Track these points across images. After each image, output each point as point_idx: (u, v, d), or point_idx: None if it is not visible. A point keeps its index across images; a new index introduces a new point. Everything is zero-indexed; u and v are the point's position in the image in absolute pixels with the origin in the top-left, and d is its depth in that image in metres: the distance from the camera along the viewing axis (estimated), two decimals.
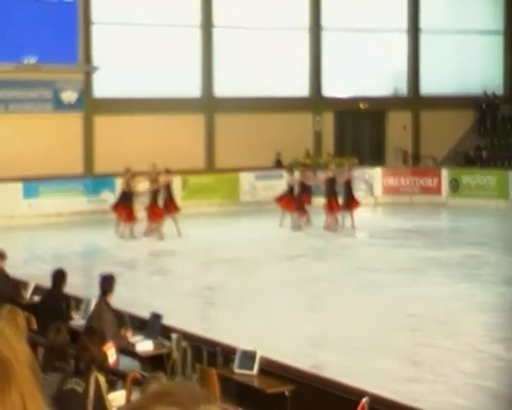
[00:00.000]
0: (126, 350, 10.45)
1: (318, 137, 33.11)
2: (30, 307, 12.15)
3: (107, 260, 20.41)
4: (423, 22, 35.00)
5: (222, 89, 31.18)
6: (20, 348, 1.16)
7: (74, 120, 28.74)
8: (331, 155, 32.03)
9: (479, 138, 34.23)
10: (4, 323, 1.18)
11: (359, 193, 27.91)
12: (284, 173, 26.70)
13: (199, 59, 31.06)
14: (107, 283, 10.72)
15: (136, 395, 8.11)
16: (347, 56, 33.27)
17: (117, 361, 9.61)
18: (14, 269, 14.44)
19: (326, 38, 33.26)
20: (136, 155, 28.05)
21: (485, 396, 10.75)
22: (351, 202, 24.51)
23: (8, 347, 1.13)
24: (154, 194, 22.98)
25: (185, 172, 28.64)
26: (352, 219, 24.52)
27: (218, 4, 31.08)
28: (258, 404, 8.82)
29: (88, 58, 29.03)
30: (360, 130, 34.35)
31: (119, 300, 10.97)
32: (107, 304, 10.61)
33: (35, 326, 11.32)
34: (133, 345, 10.48)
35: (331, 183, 24.30)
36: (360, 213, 25.22)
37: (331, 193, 24.19)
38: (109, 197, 25.97)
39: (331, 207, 24.05)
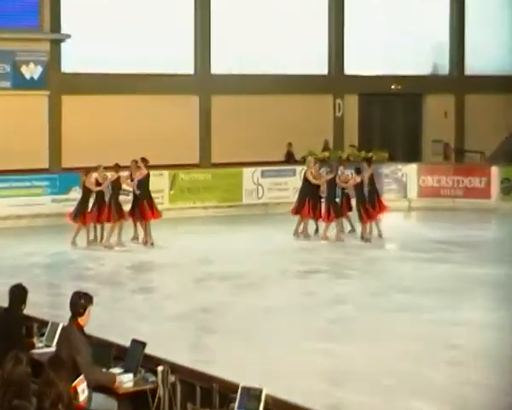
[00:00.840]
0: (101, 386, 10.46)
1: (339, 124, 33.16)
2: None
3: (77, 275, 20.45)
4: None
5: (220, 64, 31.24)
6: None
7: (37, 100, 28.81)
8: (355, 148, 32.09)
9: None
10: None
11: (389, 195, 27.91)
12: (298, 169, 26.77)
13: (192, 27, 31.10)
14: (79, 302, 10.70)
15: None
16: (375, 26, 33.31)
17: (89, 399, 9.62)
18: None
19: (350, 3, 33.28)
20: (113, 144, 28.14)
21: None
22: (375, 207, 24.51)
23: None
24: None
25: (174, 167, 28.67)
26: (378, 227, 24.53)
27: None
28: None
29: (55, 24, 29.07)
30: (391, 117, 34.40)
31: (94, 323, 10.97)
32: (80, 329, 10.60)
33: None
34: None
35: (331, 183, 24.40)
36: (390, 220, 25.19)
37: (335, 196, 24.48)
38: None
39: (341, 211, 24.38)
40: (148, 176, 23.55)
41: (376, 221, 24.56)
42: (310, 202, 24.37)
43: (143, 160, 23.55)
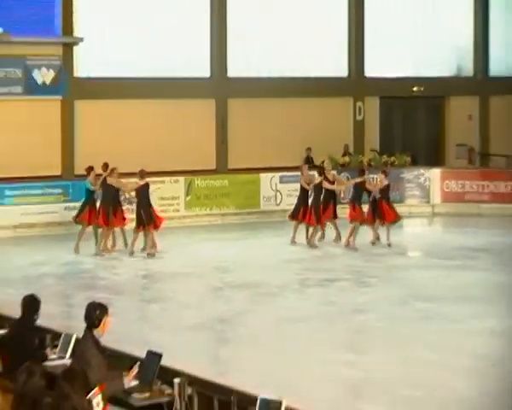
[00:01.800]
0: (117, 398, 10.44)
1: (360, 128, 33.12)
2: None
3: (91, 284, 20.45)
4: None
5: (237, 67, 31.23)
6: None
7: (50, 106, 28.82)
8: (376, 152, 32.06)
9: None
10: None
11: (412, 200, 27.81)
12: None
13: (208, 30, 31.10)
14: (94, 314, 10.66)
15: None
16: (397, 27, 33.26)
17: None
18: None
19: (370, 4, 33.25)
20: (129, 150, 28.16)
21: None
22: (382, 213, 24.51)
23: None
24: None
25: (190, 173, 28.66)
26: (388, 233, 24.47)
27: None
28: None
29: (68, 28, 29.10)
30: (413, 120, 34.38)
31: (109, 334, 10.95)
32: (95, 341, 10.57)
33: (0, 367, 11.32)
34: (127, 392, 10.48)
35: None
36: (413, 226, 25.09)
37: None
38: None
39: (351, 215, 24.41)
40: (146, 186, 23.47)
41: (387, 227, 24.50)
42: (312, 207, 24.45)
43: (141, 171, 23.56)
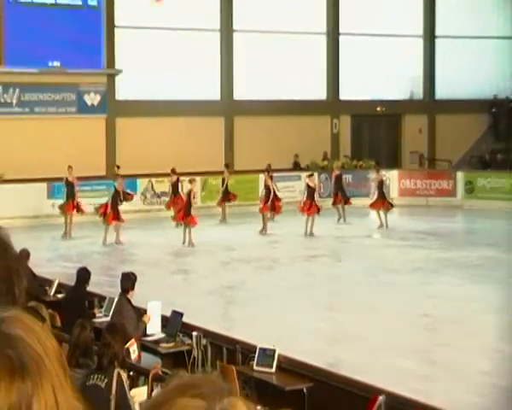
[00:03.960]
0: (148, 347, 10.45)
1: (336, 139, 33.06)
2: (54, 304, 12.18)
3: (127, 259, 20.44)
4: (439, 28, 34.96)
5: (241, 92, 31.19)
6: (49, 344, 1.19)
7: (97, 123, 28.80)
8: (348, 158, 32.03)
9: (494, 142, 34.11)
10: (32, 319, 1.21)
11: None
12: (303, 175, 26.69)
13: (219, 63, 31.08)
14: (128, 281, 10.71)
15: (157, 392, 8.09)
16: (364, 60, 33.21)
17: (139, 358, 9.60)
18: (38, 268, 14.46)
19: (344, 43, 33.22)
20: (157, 156, 28.20)
21: (501, 394, 10.67)
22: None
23: (38, 343, 1.16)
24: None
25: (205, 174, 28.63)
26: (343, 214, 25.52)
27: (237, 9, 31.11)
28: (277, 401, 8.78)
29: (111, 62, 29.09)
30: (377, 133, 34.30)
31: (141, 298, 10.94)
32: (129, 301, 10.60)
33: (59, 323, 11.32)
34: (156, 342, 10.49)
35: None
36: (376, 215, 25.14)
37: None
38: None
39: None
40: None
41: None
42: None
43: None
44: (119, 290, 10.92)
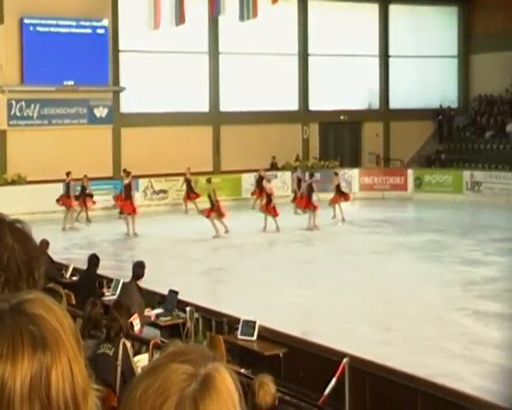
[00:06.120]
0: (149, 321, 10.43)
1: (306, 144, 33.07)
2: (69, 285, 12.14)
3: (131, 247, 20.39)
4: (392, 48, 35.06)
5: (226, 104, 31.15)
6: (66, 322, 1.19)
7: (105, 132, 28.72)
8: (317, 159, 32.08)
9: (438, 144, 34.34)
10: (51, 300, 1.22)
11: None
12: (279, 174, 26.61)
13: (207, 80, 31.01)
14: (139, 268, 10.63)
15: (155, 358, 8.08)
16: (330, 76, 33.26)
17: (141, 330, 9.58)
18: (56, 254, 14.42)
19: (312, 62, 33.25)
20: (156, 159, 28.20)
21: (446, 355, 10.73)
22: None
23: (56, 321, 1.18)
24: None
25: (196, 174, 28.56)
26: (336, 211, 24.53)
27: (222, 35, 31.08)
28: (258, 364, 8.80)
29: (116, 80, 28.98)
30: (341, 138, 34.35)
31: (145, 279, 10.91)
32: (138, 287, 10.52)
33: (73, 301, 11.29)
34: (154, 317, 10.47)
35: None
36: (342, 206, 25.15)
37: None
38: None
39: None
40: None
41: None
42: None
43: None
44: (126, 274, 10.88)
